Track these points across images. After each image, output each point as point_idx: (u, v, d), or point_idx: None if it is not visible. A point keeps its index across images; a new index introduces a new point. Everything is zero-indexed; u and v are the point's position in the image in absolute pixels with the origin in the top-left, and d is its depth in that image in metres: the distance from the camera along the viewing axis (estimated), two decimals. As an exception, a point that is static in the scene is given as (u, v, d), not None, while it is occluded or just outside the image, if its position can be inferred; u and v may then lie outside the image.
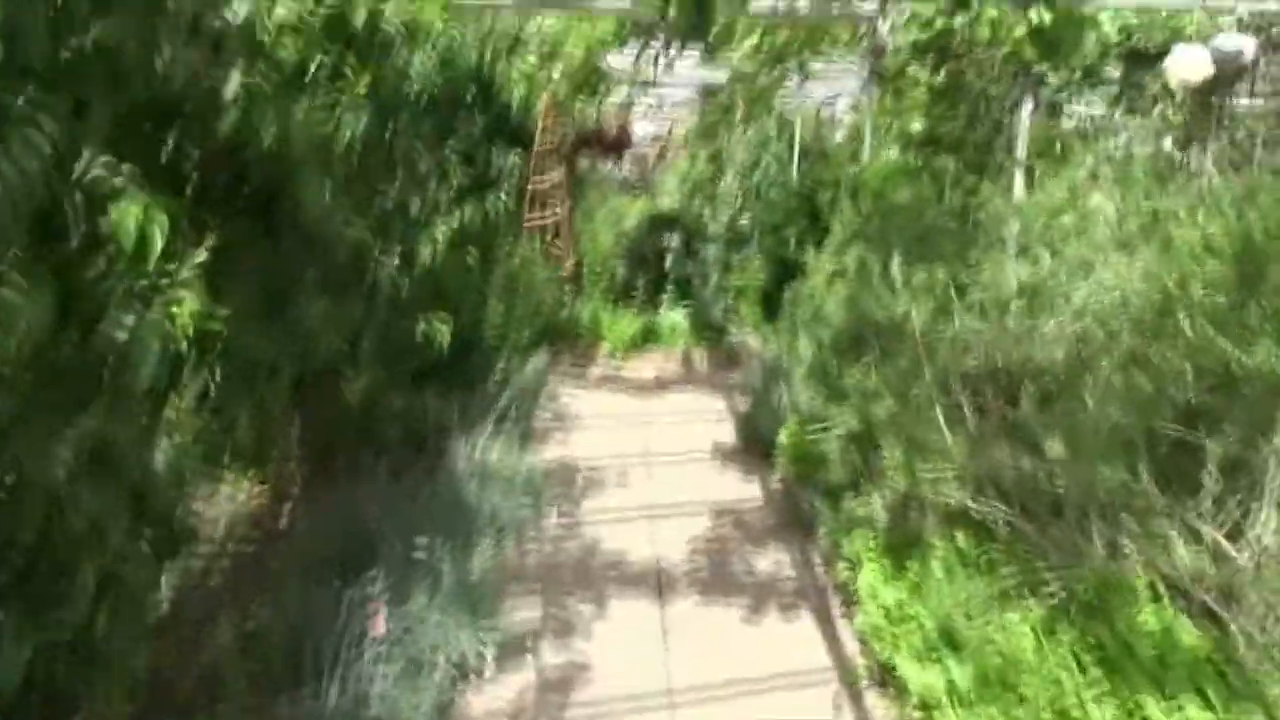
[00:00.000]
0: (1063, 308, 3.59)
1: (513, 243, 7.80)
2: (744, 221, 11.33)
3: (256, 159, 2.65)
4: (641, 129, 22.99)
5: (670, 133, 24.25)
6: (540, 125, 8.46)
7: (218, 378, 3.27)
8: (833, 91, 14.80)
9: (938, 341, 3.65)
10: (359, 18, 4.02)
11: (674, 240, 9.08)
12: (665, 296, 8.99)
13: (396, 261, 4.39)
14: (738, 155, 11.58)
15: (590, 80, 8.67)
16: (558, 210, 8.73)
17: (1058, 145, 9.91)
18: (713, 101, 13.14)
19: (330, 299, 3.59)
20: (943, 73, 9.18)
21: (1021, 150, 5.54)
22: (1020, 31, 5.36)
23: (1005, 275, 3.88)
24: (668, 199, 17.58)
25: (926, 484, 3.47)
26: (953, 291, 3.90)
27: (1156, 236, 3.85)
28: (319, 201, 2.90)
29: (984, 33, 5.49)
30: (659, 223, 9.66)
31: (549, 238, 8.67)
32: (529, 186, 8.50)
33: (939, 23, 6.96)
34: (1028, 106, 5.56)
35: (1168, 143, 9.69)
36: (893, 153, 11.69)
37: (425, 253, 4.54)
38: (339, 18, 4.03)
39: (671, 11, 4.03)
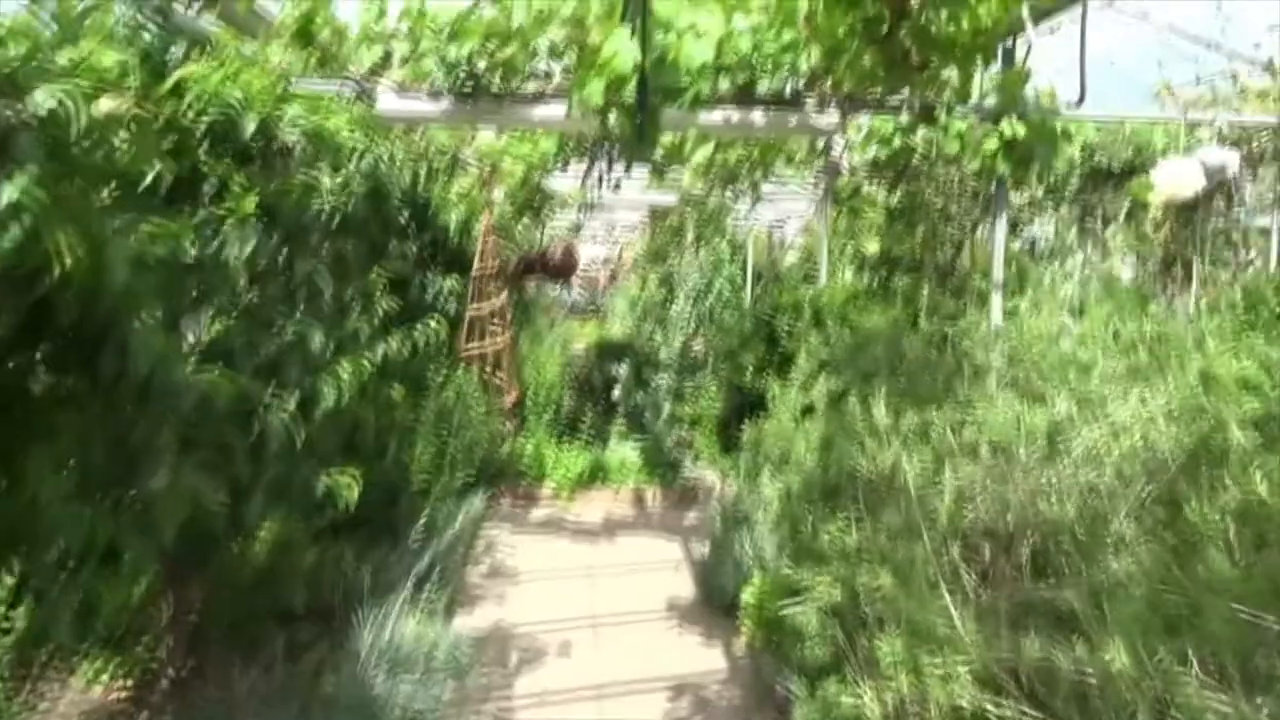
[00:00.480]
0: (1079, 453, 3.01)
1: (447, 374, 7.16)
2: (697, 347, 10.85)
3: (58, 290, 2.01)
4: (590, 252, 22.82)
5: (620, 256, 24.15)
6: (479, 248, 7.96)
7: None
8: (780, 214, 14.66)
9: (935, 497, 3.04)
10: (249, 125, 3.46)
11: (624, 369, 8.50)
12: (615, 429, 8.35)
13: (293, 406, 3.72)
14: (689, 278, 11.19)
15: (533, 202, 8.24)
16: (499, 338, 8.15)
17: (1013, 265, 9.65)
18: (662, 224, 12.86)
19: (193, 461, 2.90)
20: (899, 192, 8.92)
21: (998, 271, 5.08)
22: (992, 145, 4.98)
23: (1005, 413, 3.31)
24: (618, 323, 17.19)
25: (933, 679, 2.79)
26: (948, 435, 3.31)
27: (1175, 366, 3.34)
28: (151, 344, 2.25)
29: (953, 146, 5.09)
30: (608, 350, 9.12)
31: (489, 368, 8.05)
32: (467, 313, 7.93)
33: (897, 140, 6.63)
34: (1001, 223, 5.13)
35: (1119, 263, 9.47)
36: (848, 274, 11.42)
37: (329, 394, 3.87)
38: (227, 122, 3.47)
39: (611, 122, 3.52)
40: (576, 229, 11.84)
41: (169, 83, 3.25)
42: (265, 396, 3.60)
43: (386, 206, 6.82)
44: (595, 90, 3.28)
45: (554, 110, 4.90)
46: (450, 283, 7.93)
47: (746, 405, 8.37)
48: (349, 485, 3.98)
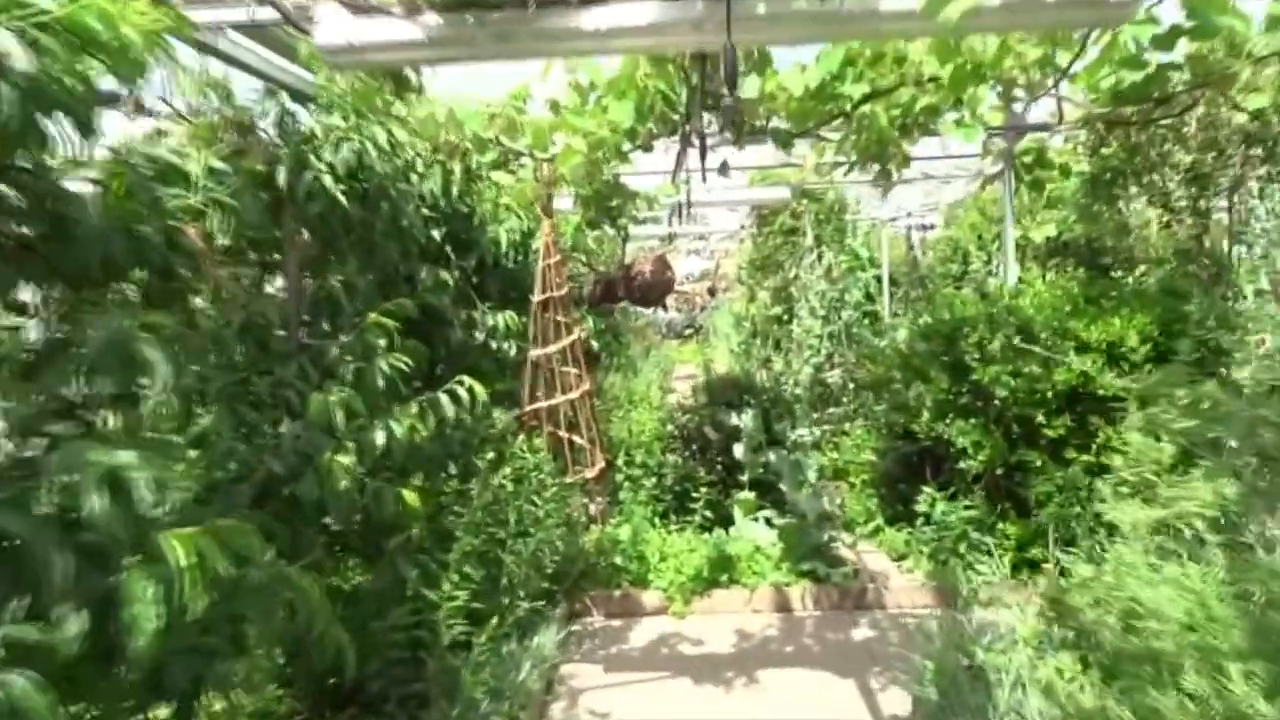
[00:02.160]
0: None
1: (502, 447, 5.10)
2: (832, 376, 8.57)
3: None
4: (684, 266, 20.69)
5: (718, 268, 21.93)
6: (540, 269, 5.90)
7: None
8: (892, 210, 12.14)
9: None
10: None
11: (746, 418, 6.28)
12: (739, 501, 6.13)
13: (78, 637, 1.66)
14: (814, 289, 8.93)
15: (607, 202, 6.13)
16: (574, 388, 6.05)
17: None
18: (771, 226, 10.61)
19: None
20: (1109, 149, 6.52)
21: None
22: None
23: None
24: (722, 344, 14.96)
25: None
26: None
27: None
28: None
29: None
30: (721, 391, 6.91)
31: (563, 428, 5.96)
32: (529, 357, 5.87)
33: (1154, 58, 4.32)
34: None
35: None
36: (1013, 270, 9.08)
37: (145, 606, 1.78)
38: None
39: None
40: (669, 238, 9.71)
41: None
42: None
43: (399, 217, 4.83)
44: None
45: (623, 13, 2.79)
46: (505, 318, 5.89)
47: (920, 457, 6.09)
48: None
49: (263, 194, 4.11)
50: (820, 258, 9.15)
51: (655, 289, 6.67)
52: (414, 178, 5.28)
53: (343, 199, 3.95)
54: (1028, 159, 6.93)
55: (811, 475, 5.89)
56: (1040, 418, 5.17)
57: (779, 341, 10.04)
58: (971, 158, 8.58)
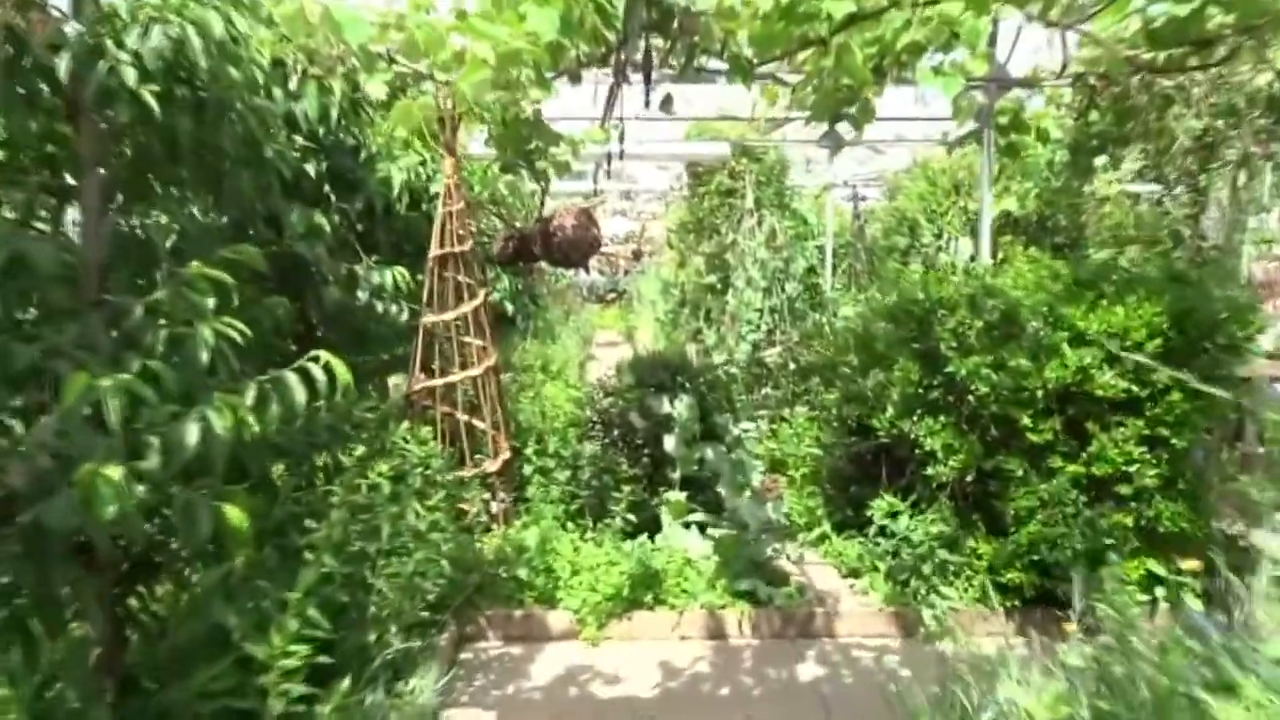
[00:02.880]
0: None
1: (376, 438, 4.10)
2: (770, 355, 7.74)
3: None
4: (609, 227, 19.69)
5: (644, 231, 20.96)
6: (439, 218, 4.89)
7: None
8: (827, 174, 11.31)
9: None
10: None
11: (680, 405, 5.38)
12: (668, 503, 5.26)
13: None
14: (753, 258, 8.06)
15: (525, 142, 5.11)
16: (476, 361, 5.07)
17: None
18: (708, 185, 9.67)
19: None
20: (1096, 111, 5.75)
21: None
22: None
23: None
24: (648, 311, 14.06)
25: None
26: None
27: None
28: None
29: None
30: (649, 369, 5.98)
31: (461, 410, 4.99)
32: (420, 324, 4.87)
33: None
34: None
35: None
36: (964, 245, 8.51)
37: None
38: None
39: None
40: (595, 193, 8.71)
41: None
42: None
43: (256, 141, 3.75)
44: None
45: None
46: (396, 274, 4.88)
47: (876, 455, 5.29)
48: None
49: (49, 93, 3.07)
50: (761, 223, 8.28)
51: (578, 248, 5.69)
52: (279, 94, 4.24)
53: (154, 105, 2.88)
54: (1003, 120, 6.15)
55: (755, 478, 5.04)
56: (1025, 419, 4.39)
57: (710, 312, 9.18)
58: (917, 121, 7.82)
